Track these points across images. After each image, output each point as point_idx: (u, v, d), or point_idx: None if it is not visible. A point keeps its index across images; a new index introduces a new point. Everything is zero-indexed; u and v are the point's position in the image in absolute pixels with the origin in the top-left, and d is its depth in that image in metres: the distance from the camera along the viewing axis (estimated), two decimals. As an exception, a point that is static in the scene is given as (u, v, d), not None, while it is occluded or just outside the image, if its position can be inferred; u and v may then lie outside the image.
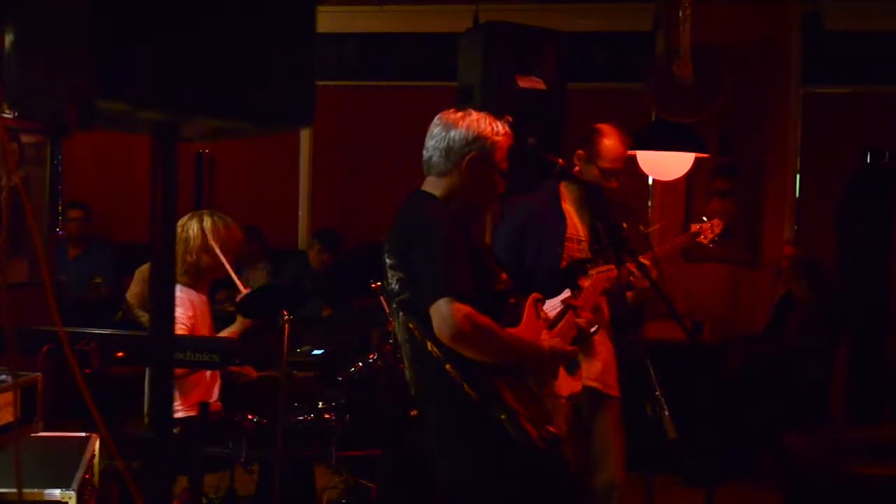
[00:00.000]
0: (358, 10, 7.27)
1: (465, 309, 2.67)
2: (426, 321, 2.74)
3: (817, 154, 7.00)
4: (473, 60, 4.41)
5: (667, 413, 3.23)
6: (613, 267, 3.62)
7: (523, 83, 4.36)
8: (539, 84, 4.42)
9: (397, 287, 2.85)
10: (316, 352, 5.37)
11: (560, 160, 3.09)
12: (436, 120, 2.98)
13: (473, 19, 5.45)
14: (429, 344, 2.78)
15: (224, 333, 4.16)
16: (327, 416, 3.95)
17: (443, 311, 2.67)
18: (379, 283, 4.43)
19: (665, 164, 6.31)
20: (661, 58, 6.64)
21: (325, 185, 7.83)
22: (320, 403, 4.07)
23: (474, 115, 2.96)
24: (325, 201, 7.83)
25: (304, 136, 7.69)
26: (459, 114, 2.96)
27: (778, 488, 4.83)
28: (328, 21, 6.91)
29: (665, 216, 6.82)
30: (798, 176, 7.05)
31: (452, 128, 2.93)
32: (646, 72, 6.43)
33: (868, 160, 6.22)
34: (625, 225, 3.57)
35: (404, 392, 4.36)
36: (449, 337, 2.68)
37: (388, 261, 2.87)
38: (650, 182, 7.06)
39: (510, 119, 3.00)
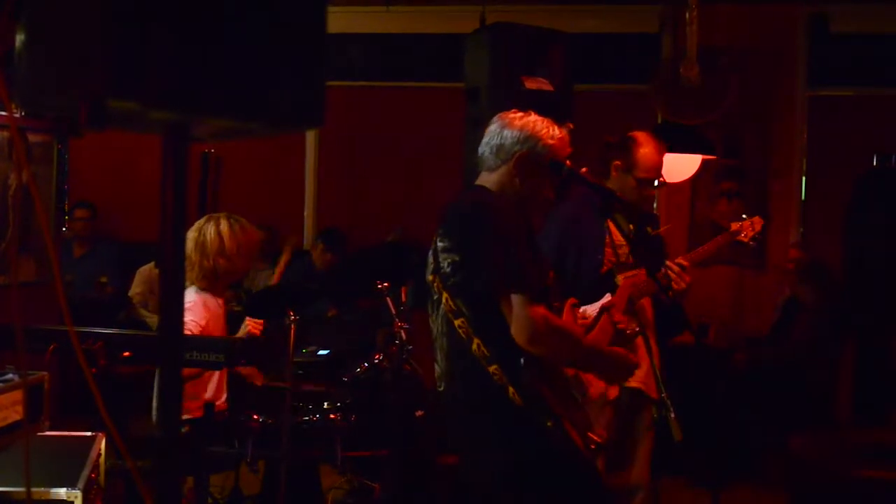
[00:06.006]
0: (364, 10, 7.26)
1: (541, 311, 2.69)
2: (476, 305, 2.73)
3: (823, 157, 6.99)
4: (480, 61, 4.41)
5: (673, 415, 3.22)
6: (639, 272, 3.59)
7: (530, 84, 4.36)
8: (546, 85, 4.42)
9: (449, 270, 2.77)
10: (321, 352, 5.37)
11: (567, 162, 3.07)
12: (494, 118, 2.95)
13: (480, 20, 5.43)
14: (475, 343, 2.74)
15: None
16: (333, 416, 3.95)
17: (519, 314, 2.67)
18: (387, 284, 4.43)
19: (671, 166, 6.27)
20: (668, 59, 6.63)
21: (331, 186, 7.82)
22: (326, 404, 4.08)
23: (533, 116, 2.91)
24: (331, 202, 7.82)
25: (310, 136, 7.69)
26: (519, 114, 2.92)
27: (783, 491, 4.82)
28: (334, 21, 6.75)
29: (671, 218, 6.81)
30: (804, 178, 7.04)
31: (507, 126, 2.90)
32: (652, 73, 6.42)
33: (875, 163, 6.21)
34: (650, 229, 3.56)
35: (410, 392, 4.39)
36: (526, 339, 2.68)
37: (440, 244, 2.81)
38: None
39: (571, 126, 2.96)
